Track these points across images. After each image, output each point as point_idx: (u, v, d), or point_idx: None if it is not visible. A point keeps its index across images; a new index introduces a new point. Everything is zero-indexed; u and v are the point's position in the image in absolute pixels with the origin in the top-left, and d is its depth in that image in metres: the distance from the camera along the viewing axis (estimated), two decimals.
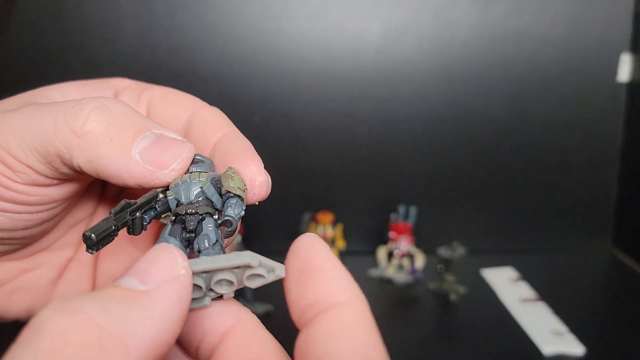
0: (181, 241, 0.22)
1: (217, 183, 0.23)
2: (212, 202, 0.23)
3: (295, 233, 0.89)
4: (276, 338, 0.65)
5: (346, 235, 0.88)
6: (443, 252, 0.75)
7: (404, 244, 0.81)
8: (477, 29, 0.85)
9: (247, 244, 0.89)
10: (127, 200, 0.21)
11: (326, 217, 0.82)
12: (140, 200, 0.22)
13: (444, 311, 0.72)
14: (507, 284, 0.78)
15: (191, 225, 0.22)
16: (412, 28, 0.85)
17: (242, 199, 0.23)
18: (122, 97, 0.26)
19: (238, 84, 0.86)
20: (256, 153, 0.24)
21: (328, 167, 0.89)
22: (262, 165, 0.24)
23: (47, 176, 0.22)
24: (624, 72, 0.88)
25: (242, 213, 0.23)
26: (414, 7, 0.85)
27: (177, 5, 0.83)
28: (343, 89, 0.87)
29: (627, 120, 0.89)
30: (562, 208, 0.92)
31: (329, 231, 0.81)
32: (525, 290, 0.76)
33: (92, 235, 0.20)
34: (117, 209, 0.21)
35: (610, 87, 0.88)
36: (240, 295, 0.71)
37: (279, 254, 0.85)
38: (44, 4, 0.83)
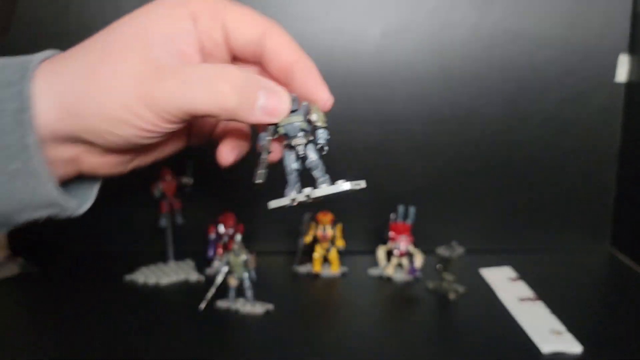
0: (295, 162, 0.38)
1: (306, 115, 0.35)
2: (308, 132, 0.36)
3: (295, 233, 0.90)
4: (275, 333, 0.66)
5: (346, 235, 0.88)
6: (442, 251, 0.75)
7: (403, 243, 0.82)
8: (475, 30, 0.86)
9: (248, 242, 0.90)
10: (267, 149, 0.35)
11: (326, 217, 0.82)
12: (269, 138, 0.35)
13: (443, 310, 0.72)
14: (505, 284, 0.79)
15: (301, 152, 0.37)
16: (411, 29, 0.86)
17: (326, 128, 0.36)
18: (199, 23, 0.31)
19: None
20: (322, 80, 0.35)
21: (327, 167, 0.90)
22: (327, 89, 0.35)
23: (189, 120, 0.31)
24: (622, 73, 0.88)
25: (328, 137, 0.37)
26: (413, 8, 0.85)
27: None
28: (343, 89, 0.87)
29: (625, 121, 0.90)
30: (561, 208, 0.93)
31: (329, 231, 0.82)
32: (523, 289, 0.77)
33: (262, 173, 0.35)
34: (263, 157, 0.35)
35: (608, 88, 0.89)
36: (241, 295, 0.72)
37: (280, 252, 0.86)
38: (47, 6, 0.83)
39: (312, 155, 0.38)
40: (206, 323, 0.68)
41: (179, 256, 0.87)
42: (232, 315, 0.70)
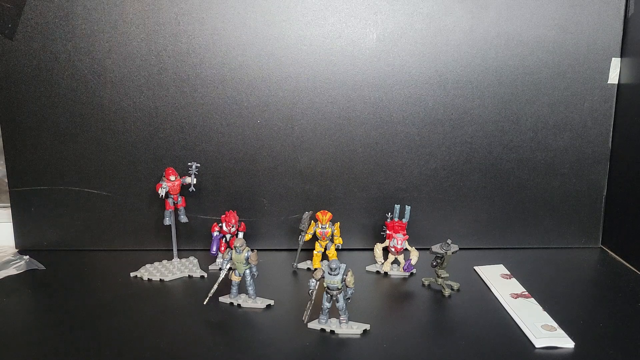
0: (328, 301, 0.66)
1: (344, 276, 0.66)
2: (342, 286, 0.66)
3: (295, 231, 0.92)
4: (276, 327, 0.69)
5: (344, 232, 0.90)
6: (437, 249, 0.76)
7: (399, 241, 0.83)
8: (470, 33, 0.87)
9: (250, 240, 0.92)
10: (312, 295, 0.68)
11: (325, 216, 0.84)
12: (314, 289, 0.67)
13: (438, 305, 0.74)
14: (499, 280, 0.80)
15: (334, 296, 0.66)
16: (407, 33, 0.87)
17: (352, 288, 0.67)
18: None
19: (241, 88, 0.88)
20: None
21: (327, 167, 0.91)
22: None
23: None
24: (613, 75, 0.90)
25: (352, 293, 0.68)
26: (409, 13, 0.87)
27: (183, 12, 0.86)
28: (341, 92, 0.89)
29: (616, 123, 0.91)
30: (553, 208, 0.94)
31: (328, 229, 0.84)
32: (516, 286, 0.78)
33: (308, 316, 0.67)
34: (309, 305, 0.67)
35: (600, 90, 0.90)
36: (243, 291, 0.74)
37: (280, 250, 0.88)
38: (53, 10, 0.85)
39: (341, 302, 0.66)
40: (209, 318, 0.70)
41: (183, 253, 0.89)
42: (235, 310, 0.72)
